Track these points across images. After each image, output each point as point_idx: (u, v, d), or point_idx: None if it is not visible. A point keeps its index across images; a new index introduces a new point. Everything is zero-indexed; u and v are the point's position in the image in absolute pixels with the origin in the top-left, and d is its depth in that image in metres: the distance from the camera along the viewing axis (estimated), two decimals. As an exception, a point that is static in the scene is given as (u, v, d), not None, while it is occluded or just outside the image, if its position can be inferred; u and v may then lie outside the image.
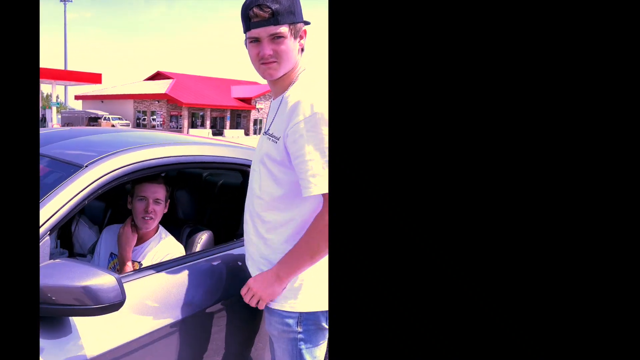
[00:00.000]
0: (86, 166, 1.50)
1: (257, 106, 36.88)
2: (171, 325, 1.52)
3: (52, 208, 1.34)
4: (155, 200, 1.88)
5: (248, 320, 1.83)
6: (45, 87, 34.11)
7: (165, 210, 1.95)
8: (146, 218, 1.87)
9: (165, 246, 1.90)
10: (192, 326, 1.60)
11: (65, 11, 37.88)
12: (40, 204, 1.32)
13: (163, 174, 2.25)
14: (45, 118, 28.83)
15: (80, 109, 36.69)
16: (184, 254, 1.89)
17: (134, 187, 1.90)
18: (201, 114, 35.25)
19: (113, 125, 29.58)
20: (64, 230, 2.23)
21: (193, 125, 34.68)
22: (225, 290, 1.75)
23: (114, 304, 1.20)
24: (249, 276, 1.56)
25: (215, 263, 1.80)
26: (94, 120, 30.24)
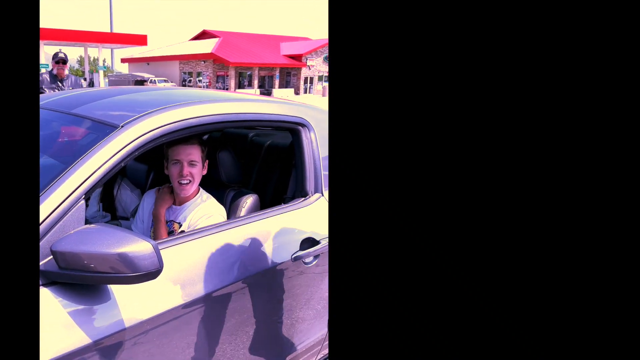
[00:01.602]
0: (122, 126, 1.41)
1: (308, 63, 35.49)
2: (214, 292, 1.45)
3: (86, 171, 1.27)
4: (190, 162, 1.77)
5: (298, 288, 1.77)
6: (92, 51, 34.04)
7: (204, 172, 1.85)
8: (182, 182, 1.77)
9: (205, 208, 1.79)
10: (237, 294, 1.54)
11: (108, -28, 37.16)
12: (74, 167, 1.27)
13: (206, 137, 2.42)
14: (93, 82, 28.93)
15: (127, 72, 36.54)
16: (225, 216, 1.82)
17: (168, 151, 1.80)
18: (249, 73, 34.35)
19: (160, 88, 29.17)
20: (106, 193, 2.24)
21: (240, 85, 33.91)
22: (274, 255, 1.67)
23: (151, 272, 1.14)
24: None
25: (262, 228, 1.70)
26: (140, 83, 29.93)
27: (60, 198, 1.19)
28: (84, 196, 1.24)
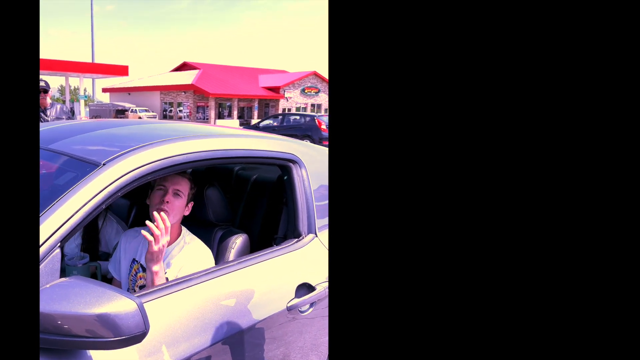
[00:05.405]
0: (104, 164, 1.30)
1: (286, 95, 35.67)
2: (203, 350, 1.31)
3: (63, 215, 1.13)
4: (175, 191, 1.63)
5: (294, 339, 1.64)
6: (73, 81, 33.78)
7: (187, 212, 1.70)
8: (161, 208, 1.59)
9: (189, 251, 1.65)
10: (227, 351, 1.39)
11: (92, 5, 37.04)
12: (48, 210, 1.13)
13: (189, 170, 2.22)
14: (73, 111, 28.50)
15: (108, 102, 36.24)
16: (212, 259, 1.68)
17: (156, 179, 1.61)
18: (228, 104, 34.37)
19: (140, 118, 28.97)
20: (90, 226, 2.11)
21: (220, 115, 33.84)
22: (267, 305, 1.53)
23: (136, 336, 1.00)
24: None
25: (253, 274, 1.54)
26: (121, 113, 29.71)
27: None
28: (59, 244, 1.11)
